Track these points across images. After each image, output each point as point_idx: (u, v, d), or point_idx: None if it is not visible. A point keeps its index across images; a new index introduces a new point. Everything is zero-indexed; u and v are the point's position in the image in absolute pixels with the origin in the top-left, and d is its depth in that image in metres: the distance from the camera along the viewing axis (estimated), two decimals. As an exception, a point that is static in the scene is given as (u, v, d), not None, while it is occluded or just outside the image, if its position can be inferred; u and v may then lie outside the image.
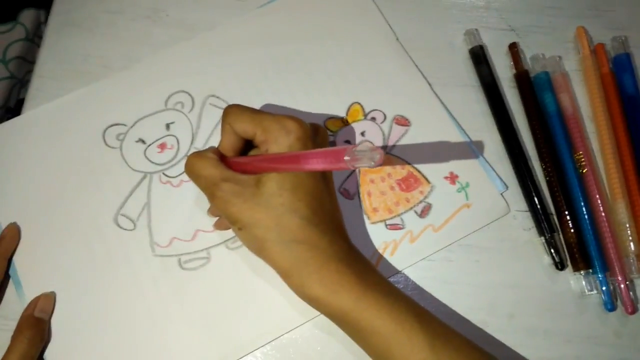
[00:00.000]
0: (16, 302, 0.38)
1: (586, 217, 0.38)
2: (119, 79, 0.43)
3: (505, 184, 0.40)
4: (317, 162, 0.28)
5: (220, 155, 0.33)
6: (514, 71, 0.43)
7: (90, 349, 0.36)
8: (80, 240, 0.39)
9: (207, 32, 0.45)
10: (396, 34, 0.44)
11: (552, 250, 0.38)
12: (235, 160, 0.33)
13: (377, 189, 0.40)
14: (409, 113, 0.42)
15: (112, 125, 0.42)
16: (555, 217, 0.39)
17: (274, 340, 0.36)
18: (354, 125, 0.42)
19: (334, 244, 0.31)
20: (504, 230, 0.39)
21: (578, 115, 0.41)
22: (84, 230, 0.39)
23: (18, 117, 0.43)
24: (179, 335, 0.36)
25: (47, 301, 0.37)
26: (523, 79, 0.42)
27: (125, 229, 0.39)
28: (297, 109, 0.42)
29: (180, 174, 0.40)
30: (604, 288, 0.37)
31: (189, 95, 0.43)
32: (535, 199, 0.38)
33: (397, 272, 0.38)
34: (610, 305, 0.37)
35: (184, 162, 0.40)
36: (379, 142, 0.41)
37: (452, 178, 0.40)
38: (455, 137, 0.41)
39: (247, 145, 0.35)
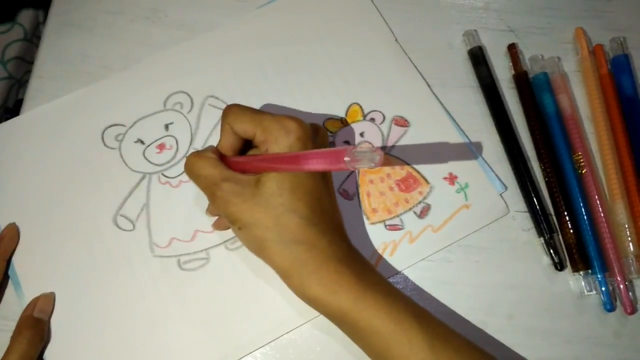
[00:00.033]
0: (15, 302, 0.37)
1: (585, 217, 0.38)
2: (118, 79, 0.43)
3: (504, 185, 0.40)
4: (317, 163, 0.28)
5: (219, 155, 0.33)
6: (513, 72, 0.43)
7: (90, 349, 0.36)
8: (80, 241, 0.39)
9: (207, 32, 0.44)
10: (395, 35, 0.44)
11: (551, 251, 0.38)
12: (235, 160, 0.33)
13: (376, 189, 0.40)
14: (408, 114, 0.42)
15: (111, 126, 0.42)
16: (554, 218, 0.39)
17: (273, 340, 0.36)
18: (353, 125, 0.42)
19: (333, 244, 0.31)
20: (503, 231, 0.39)
21: (577, 116, 0.41)
22: (83, 230, 0.39)
23: (17, 117, 0.42)
24: (179, 336, 0.36)
25: (47, 301, 0.37)
26: (522, 80, 0.42)
27: (125, 230, 0.39)
28: (296, 109, 0.42)
29: (180, 174, 0.40)
30: (603, 288, 0.37)
31: (188, 95, 0.43)
32: (535, 200, 0.38)
33: (397, 272, 0.38)
34: (609, 305, 0.37)
35: (183, 162, 0.40)
36: (378, 143, 0.41)
37: (451, 179, 0.40)
38: (454, 137, 0.41)
39: (246, 145, 0.35)
